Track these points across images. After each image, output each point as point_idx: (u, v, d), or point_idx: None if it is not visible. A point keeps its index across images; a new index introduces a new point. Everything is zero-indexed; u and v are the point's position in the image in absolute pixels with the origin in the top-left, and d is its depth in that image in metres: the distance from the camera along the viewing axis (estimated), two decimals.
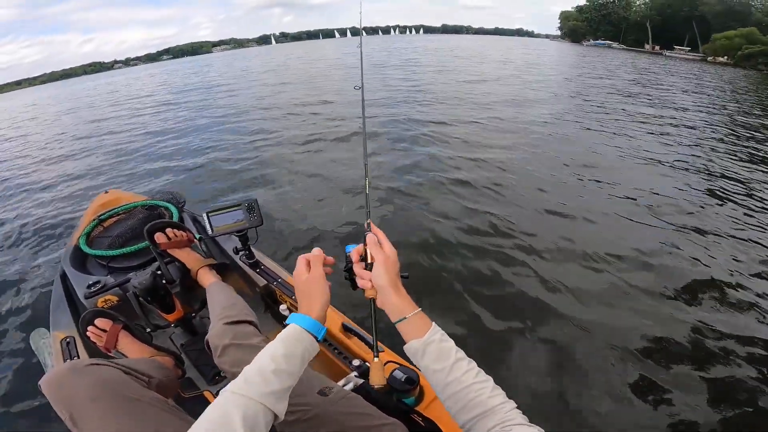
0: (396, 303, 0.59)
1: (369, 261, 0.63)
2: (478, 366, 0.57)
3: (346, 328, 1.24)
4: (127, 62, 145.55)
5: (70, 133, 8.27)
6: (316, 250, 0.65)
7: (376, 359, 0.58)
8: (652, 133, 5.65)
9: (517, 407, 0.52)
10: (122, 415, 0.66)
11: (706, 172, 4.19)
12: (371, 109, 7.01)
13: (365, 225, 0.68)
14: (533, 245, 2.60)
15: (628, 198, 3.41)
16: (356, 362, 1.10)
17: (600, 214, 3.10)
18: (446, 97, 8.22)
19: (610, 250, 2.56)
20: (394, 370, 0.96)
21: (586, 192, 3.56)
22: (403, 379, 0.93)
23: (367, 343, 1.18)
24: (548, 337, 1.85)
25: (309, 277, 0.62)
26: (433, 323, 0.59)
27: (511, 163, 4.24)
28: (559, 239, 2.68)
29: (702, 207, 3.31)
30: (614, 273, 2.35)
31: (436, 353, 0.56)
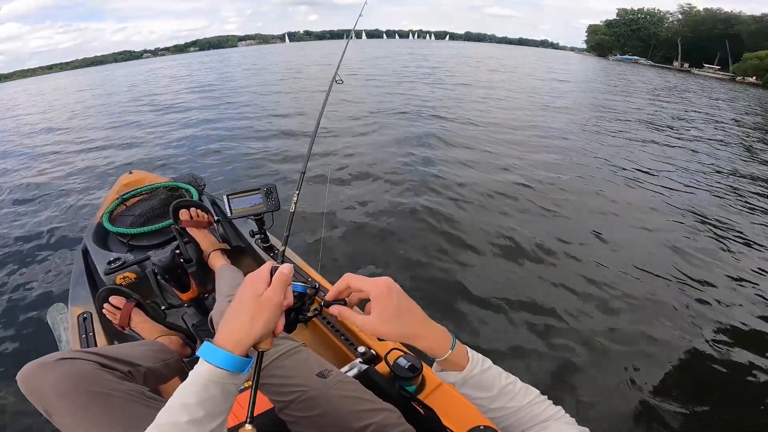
0: (430, 344, 0.49)
1: (345, 297, 0.54)
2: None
3: None
4: (155, 53, 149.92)
5: (98, 117, 8.62)
6: (287, 267, 0.50)
7: None
8: None
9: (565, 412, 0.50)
10: (92, 410, 0.66)
11: None
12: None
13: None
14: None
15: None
16: (362, 349, 1.11)
17: None
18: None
19: None
20: (398, 357, 0.97)
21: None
22: (406, 367, 0.94)
23: None
24: None
25: (265, 296, 0.47)
26: (469, 353, 0.50)
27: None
28: None
29: None
30: None
31: (477, 385, 0.50)
